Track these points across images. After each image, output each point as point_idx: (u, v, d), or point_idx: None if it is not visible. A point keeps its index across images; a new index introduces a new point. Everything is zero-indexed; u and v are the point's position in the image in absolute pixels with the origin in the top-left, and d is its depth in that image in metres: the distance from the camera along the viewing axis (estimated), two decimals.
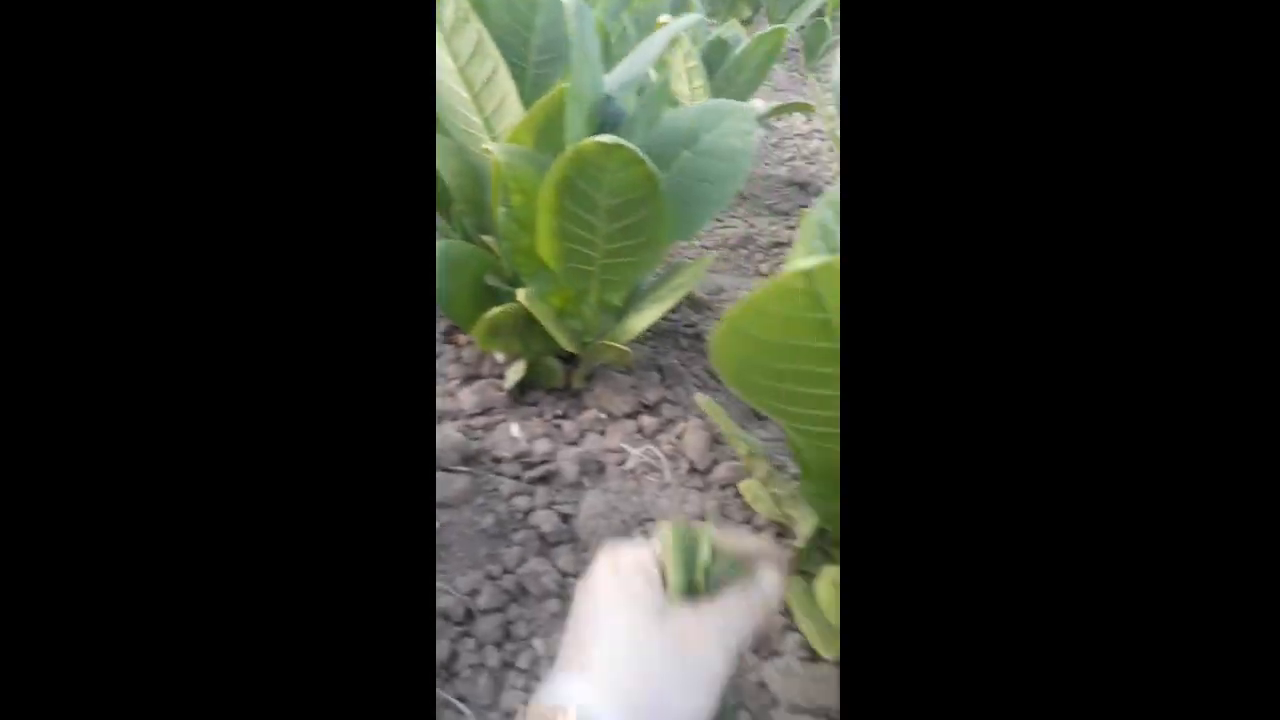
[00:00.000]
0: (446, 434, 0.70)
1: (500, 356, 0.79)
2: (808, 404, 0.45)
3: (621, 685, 0.30)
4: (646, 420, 0.76)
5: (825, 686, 0.53)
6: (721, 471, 0.71)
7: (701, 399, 0.67)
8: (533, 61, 0.78)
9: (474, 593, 0.58)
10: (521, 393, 0.78)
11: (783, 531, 0.65)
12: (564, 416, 0.77)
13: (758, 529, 0.67)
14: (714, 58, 1.25)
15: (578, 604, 0.34)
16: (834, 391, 0.43)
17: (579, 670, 0.31)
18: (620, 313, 0.77)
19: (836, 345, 0.37)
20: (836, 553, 0.62)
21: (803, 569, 0.60)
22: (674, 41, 1.09)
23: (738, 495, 0.69)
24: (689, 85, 1.16)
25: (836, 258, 0.30)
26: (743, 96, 1.26)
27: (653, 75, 1.17)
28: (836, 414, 0.46)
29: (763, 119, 1.34)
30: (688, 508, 0.67)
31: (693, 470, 0.72)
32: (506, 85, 0.71)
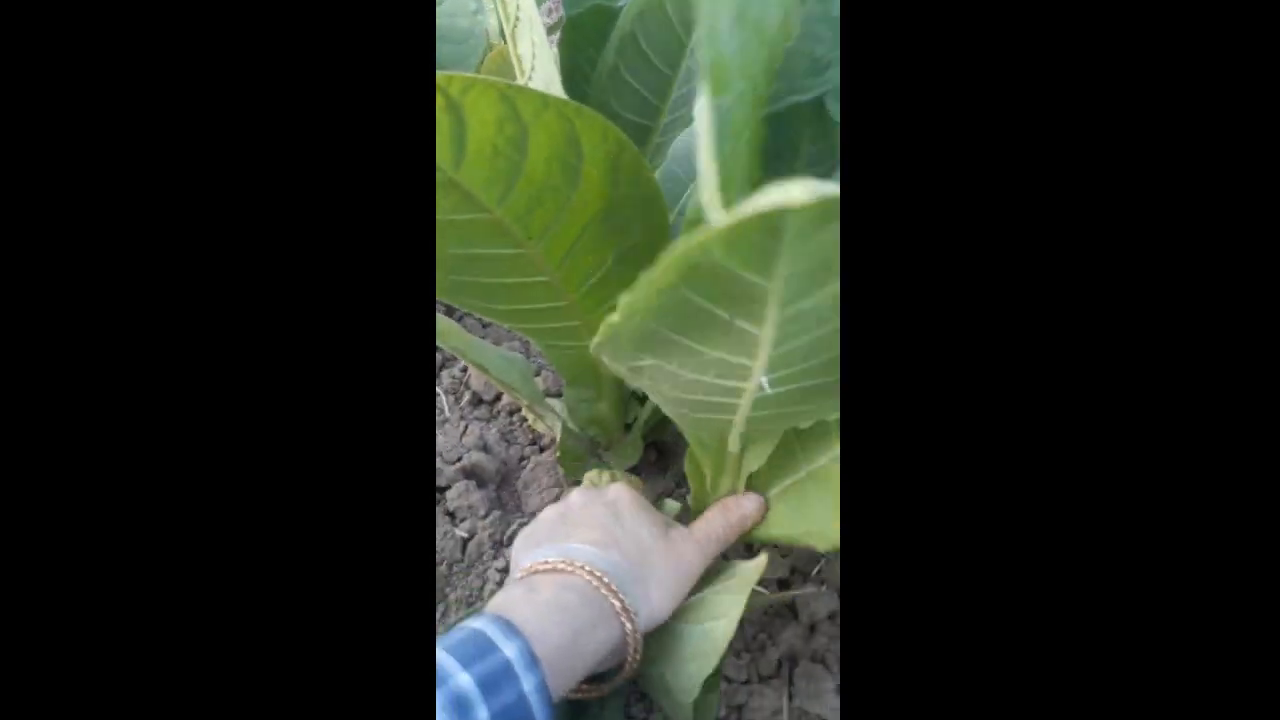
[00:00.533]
0: None
1: None
2: (491, 296, 0.43)
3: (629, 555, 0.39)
4: None
5: None
6: (506, 399, 0.69)
7: (444, 323, 0.62)
8: None
9: None
10: None
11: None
12: None
13: (542, 448, 0.65)
14: None
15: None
16: (502, 280, 0.41)
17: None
18: None
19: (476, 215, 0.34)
20: (607, 454, 0.62)
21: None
22: None
23: (523, 420, 0.67)
24: None
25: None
26: None
27: None
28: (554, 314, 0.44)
29: None
30: (467, 439, 0.64)
31: (478, 401, 0.69)
32: None
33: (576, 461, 0.61)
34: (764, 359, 0.29)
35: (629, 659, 0.38)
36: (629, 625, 0.36)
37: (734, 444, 0.41)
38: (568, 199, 0.38)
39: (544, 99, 0.33)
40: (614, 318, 0.26)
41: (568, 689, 0.35)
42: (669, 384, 0.33)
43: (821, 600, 0.55)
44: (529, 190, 0.36)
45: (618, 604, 0.36)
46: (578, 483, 0.54)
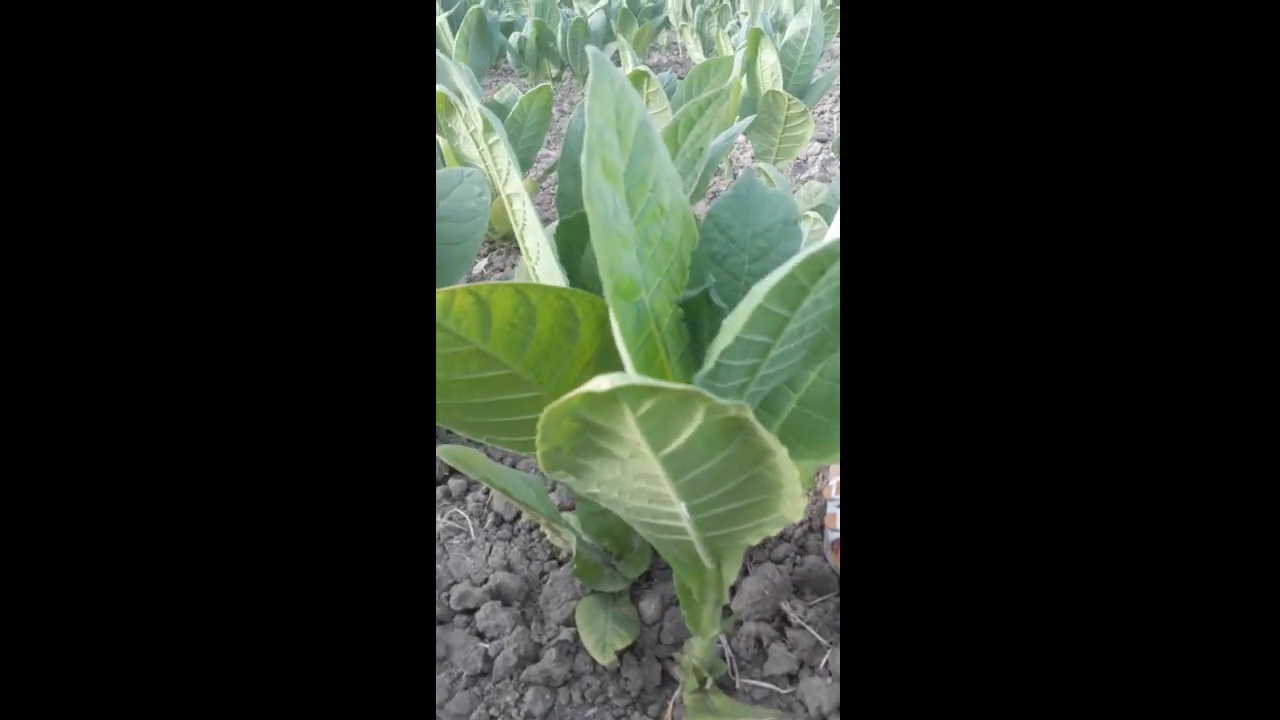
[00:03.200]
0: None
1: None
2: (512, 431, 0.50)
3: None
4: (453, 484, 0.79)
5: None
6: (526, 516, 0.75)
7: (446, 450, 0.68)
8: None
9: None
10: None
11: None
12: None
13: (560, 562, 0.70)
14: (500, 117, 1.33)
15: None
16: (520, 416, 0.48)
17: None
18: None
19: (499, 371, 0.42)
20: (620, 563, 0.66)
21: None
22: (455, 108, 1.14)
23: (542, 536, 0.73)
24: (482, 145, 1.22)
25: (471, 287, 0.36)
26: (528, 153, 1.33)
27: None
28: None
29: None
30: (493, 559, 0.70)
31: (500, 522, 0.75)
32: None
33: (593, 572, 0.66)
34: (671, 489, 0.35)
35: None
36: None
37: (706, 560, 0.46)
38: (569, 351, 0.46)
39: (546, 288, 0.42)
40: (538, 443, 0.32)
41: None
42: (620, 508, 0.39)
43: (827, 692, 0.57)
44: (538, 349, 0.44)
45: None
46: (595, 591, 0.59)
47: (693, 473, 0.34)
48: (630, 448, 0.31)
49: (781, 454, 0.33)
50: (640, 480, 0.35)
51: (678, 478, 0.35)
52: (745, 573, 0.68)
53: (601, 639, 0.59)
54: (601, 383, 0.25)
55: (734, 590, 0.65)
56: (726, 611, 0.64)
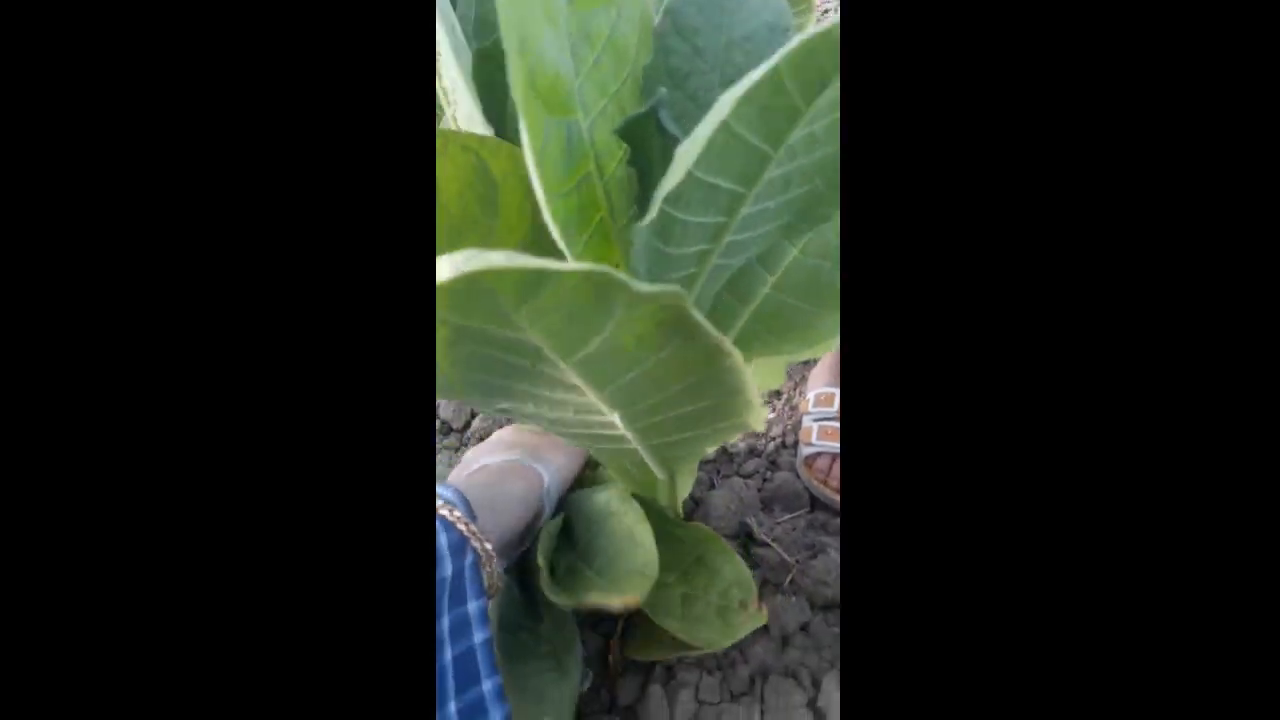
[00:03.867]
0: None
1: None
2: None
3: None
4: None
5: None
6: (476, 424, 0.69)
7: None
8: None
9: None
10: None
11: None
12: None
13: None
14: None
15: None
16: None
17: None
18: None
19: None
20: None
21: None
22: None
23: None
24: None
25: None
26: None
27: None
28: None
29: None
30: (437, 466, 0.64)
31: (448, 430, 0.69)
32: None
33: None
34: (596, 398, 0.27)
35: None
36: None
37: (658, 470, 0.40)
38: (489, 229, 0.37)
39: (448, 135, 0.32)
40: (439, 368, 0.25)
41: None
42: (555, 428, 0.32)
43: (791, 612, 0.53)
44: (446, 227, 0.35)
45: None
46: None
47: (622, 379, 0.27)
48: (530, 355, 0.23)
49: (736, 356, 0.25)
50: (559, 391, 0.28)
51: (603, 386, 0.27)
52: (713, 487, 0.63)
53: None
54: (444, 267, 0.16)
55: (700, 505, 0.60)
56: None
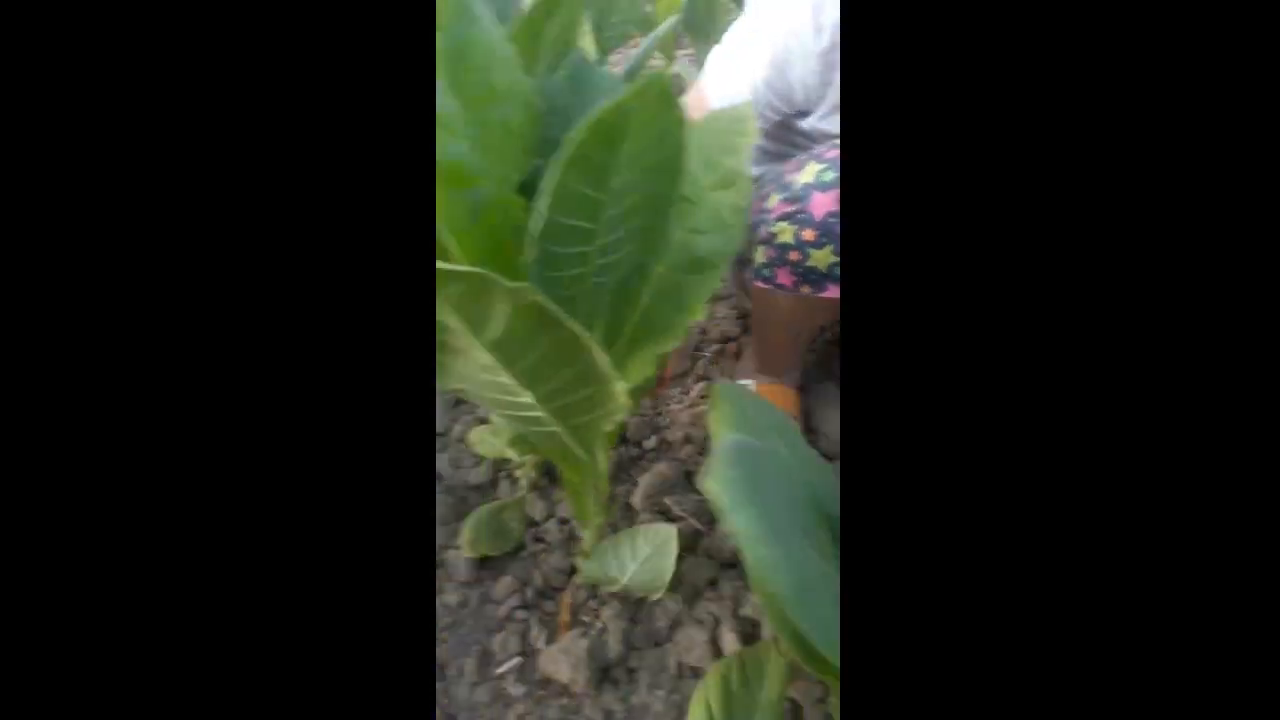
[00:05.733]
0: None
1: None
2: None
3: None
4: None
5: None
6: (457, 429, 0.81)
7: None
8: None
9: None
10: None
11: (500, 466, 0.76)
12: None
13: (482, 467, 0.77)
14: None
15: None
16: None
17: None
18: None
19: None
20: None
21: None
22: None
23: (468, 446, 0.79)
24: None
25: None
26: None
27: None
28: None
29: None
30: None
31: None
32: None
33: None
34: (508, 376, 0.40)
35: None
36: None
37: (576, 449, 0.51)
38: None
39: None
40: None
41: None
42: (484, 401, 0.44)
43: (703, 569, 0.64)
44: None
45: None
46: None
47: (523, 361, 0.38)
48: (464, 338, 0.36)
49: (596, 347, 0.37)
50: (484, 371, 0.40)
51: (511, 365, 0.39)
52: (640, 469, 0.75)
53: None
54: None
55: (630, 485, 0.71)
56: (629, 509, 0.71)
